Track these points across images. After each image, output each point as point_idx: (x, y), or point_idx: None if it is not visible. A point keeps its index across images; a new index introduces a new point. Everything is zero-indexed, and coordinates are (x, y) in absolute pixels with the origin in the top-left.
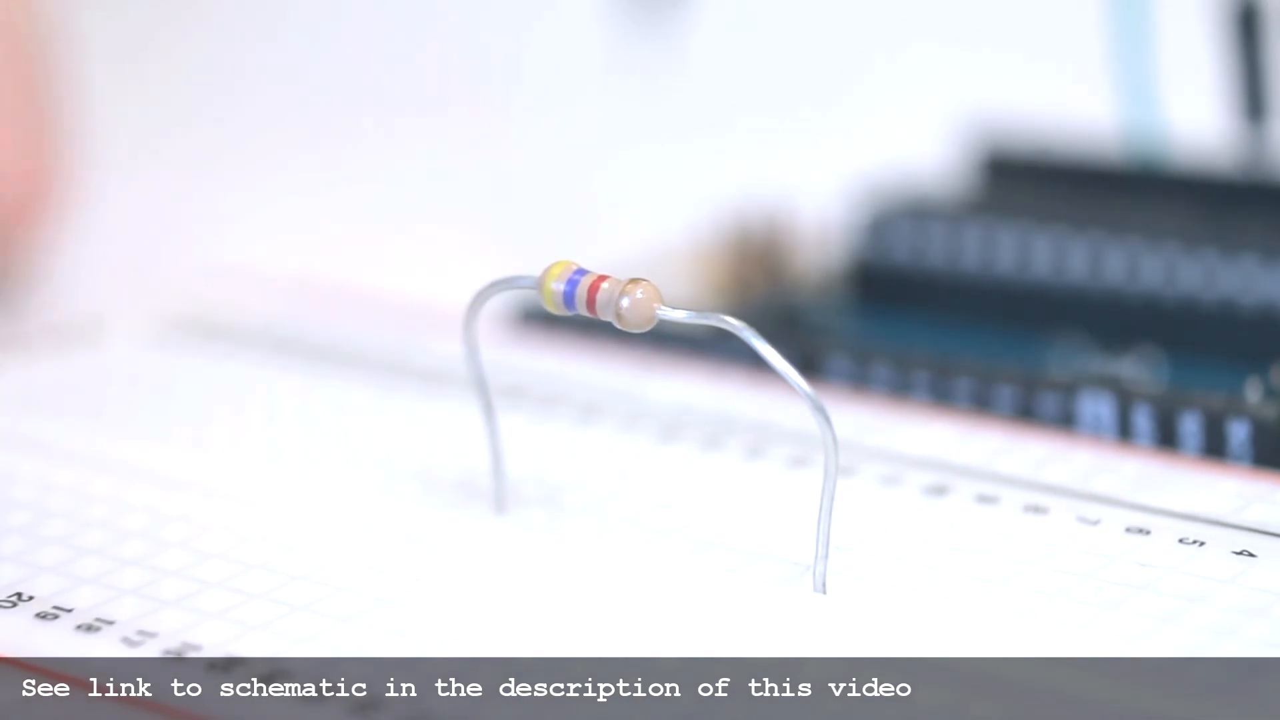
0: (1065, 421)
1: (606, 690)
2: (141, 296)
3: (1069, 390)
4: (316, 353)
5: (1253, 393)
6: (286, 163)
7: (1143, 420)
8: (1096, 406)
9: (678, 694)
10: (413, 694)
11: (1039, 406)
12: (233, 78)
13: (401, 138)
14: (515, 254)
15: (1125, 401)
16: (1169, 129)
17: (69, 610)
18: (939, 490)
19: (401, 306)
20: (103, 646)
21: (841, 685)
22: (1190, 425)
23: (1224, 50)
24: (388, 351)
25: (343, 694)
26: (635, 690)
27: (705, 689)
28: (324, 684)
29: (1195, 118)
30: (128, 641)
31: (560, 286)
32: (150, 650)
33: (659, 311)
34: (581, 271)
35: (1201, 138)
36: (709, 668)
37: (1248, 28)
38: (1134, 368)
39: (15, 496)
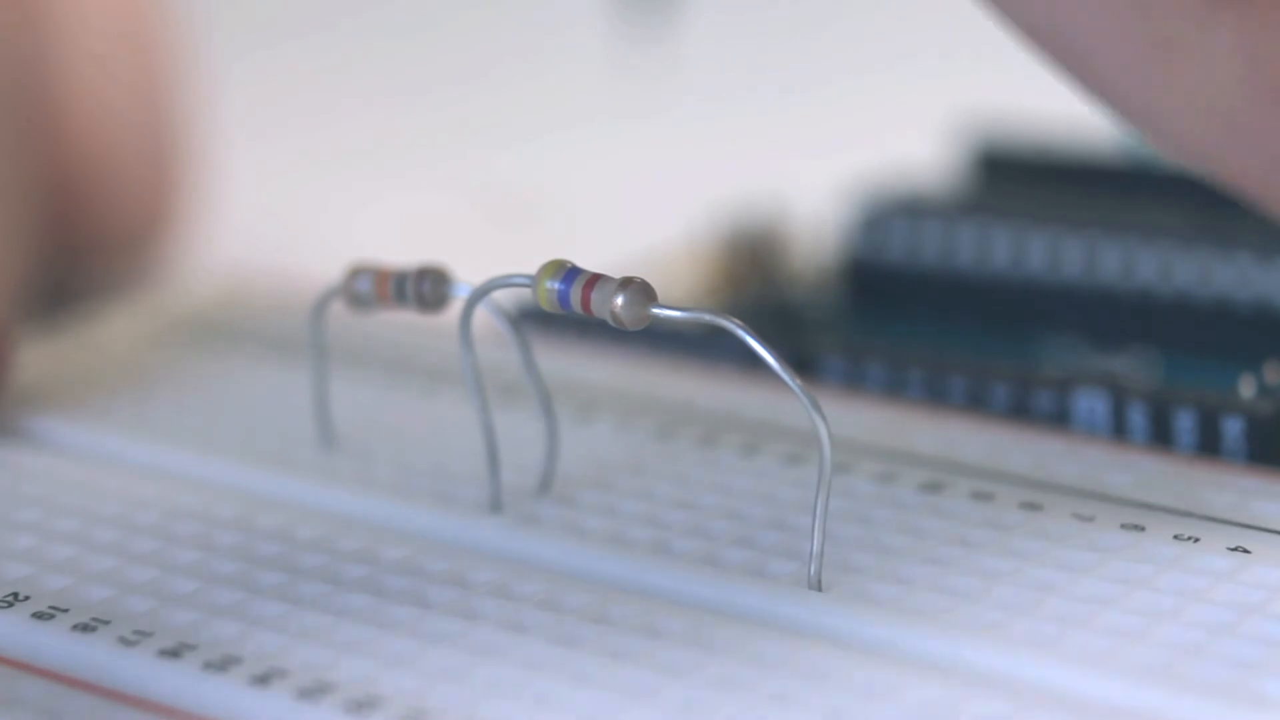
0: (1060, 418)
1: (605, 686)
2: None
3: (1064, 387)
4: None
5: (1247, 389)
6: (284, 162)
7: (1137, 417)
8: (1091, 403)
9: (676, 688)
10: (409, 693)
11: (1034, 404)
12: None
13: (401, 139)
14: (512, 253)
15: (1120, 398)
16: None
17: (65, 610)
18: (934, 487)
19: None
20: (99, 646)
21: (838, 679)
22: (1185, 422)
23: None
24: (386, 349)
25: (340, 692)
26: (634, 685)
27: (704, 683)
28: (321, 682)
29: None
30: (124, 641)
31: (555, 285)
32: (147, 650)
33: (654, 310)
34: (576, 270)
35: None
36: (707, 662)
37: None
38: (1129, 365)
39: (15, 493)
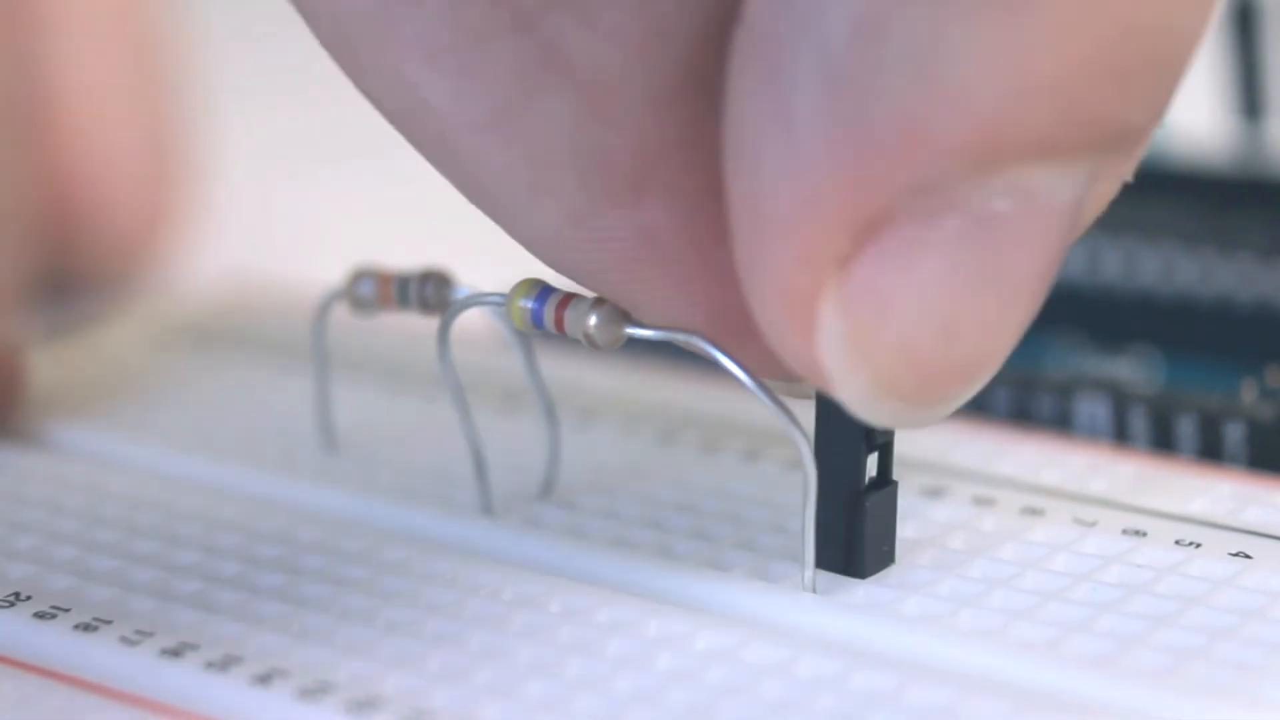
0: (1061, 423)
1: (605, 689)
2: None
3: (1065, 392)
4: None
5: (1248, 393)
6: (285, 165)
7: (1139, 422)
8: (1093, 408)
9: (676, 692)
10: (410, 693)
11: (1035, 408)
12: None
13: (403, 140)
14: (514, 253)
15: (1121, 403)
16: (1166, 127)
17: (67, 610)
18: (935, 492)
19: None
20: (101, 646)
21: (838, 683)
22: (1186, 427)
23: (1221, 48)
24: (388, 353)
25: (340, 692)
26: (634, 688)
27: (704, 687)
28: (322, 682)
29: (1192, 116)
30: (126, 641)
31: (528, 304)
32: (148, 650)
33: (628, 330)
34: (549, 289)
35: (1198, 135)
36: (707, 666)
37: (1245, 26)
38: (1130, 366)
39: (15, 495)
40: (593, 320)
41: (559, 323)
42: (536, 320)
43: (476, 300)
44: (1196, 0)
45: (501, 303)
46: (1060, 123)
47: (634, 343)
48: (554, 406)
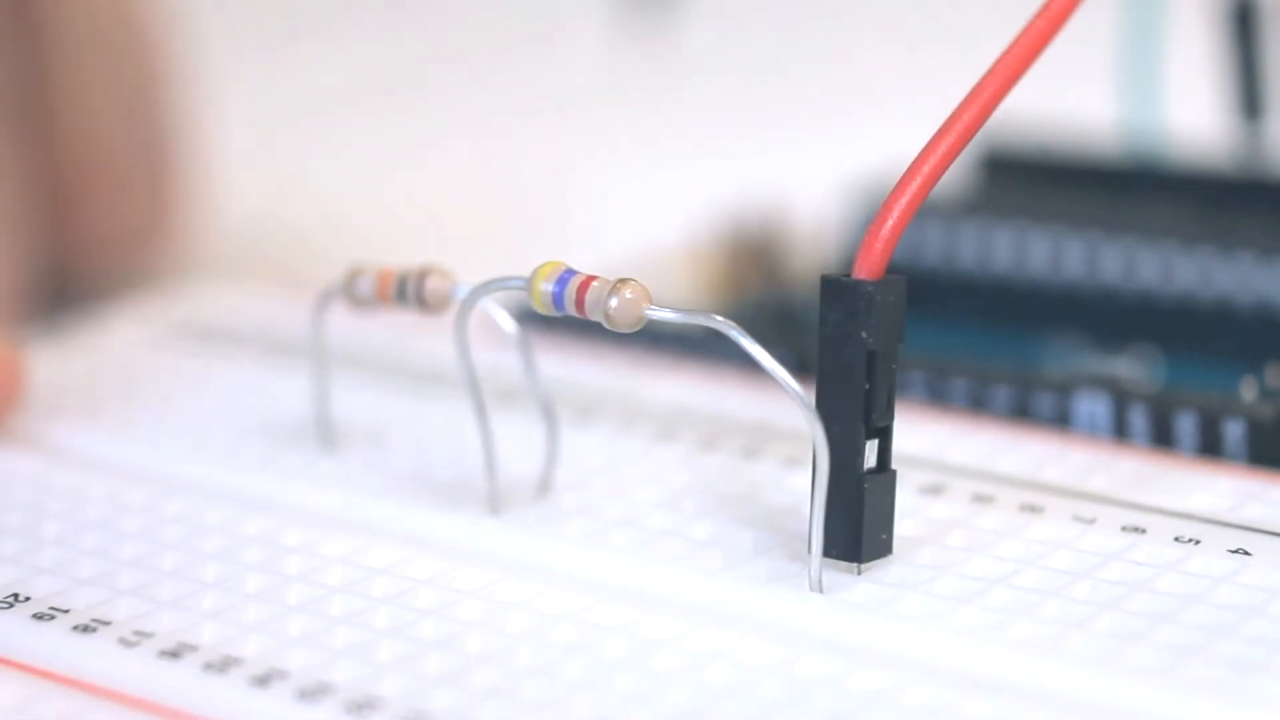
0: (1061, 421)
1: (604, 690)
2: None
3: (1065, 390)
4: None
5: (1248, 392)
6: (284, 164)
7: (1138, 419)
8: (1092, 406)
9: (675, 692)
10: (408, 694)
11: (1035, 406)
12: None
13: (401, 140)
14: (515, 253)
15: (1121, 401)
16: (1166, 127)
17: (65, 611)
18: (935, 490)
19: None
20: (99, 647)
21: (836, 683)
22: (1186, 425)
23: (1221, 48)
24: (384, 352)
25: (339, 693)
26: (633, 689)
27: (702, 687)
28: (320, 683)
29: (1192, 116)
30: (124, 643)
31: (550, 287)
32: (146, 651)
33: (647, 311)
34: (570, 272)
35: (1199, 136)
36: (706, 666)
37: (1244, 26)
38: (1130, 366)
39: (14, 497)
40: (613, 302)
41: (579, 305)
42: (557, 303)
43: (497, 285)
44: None
45: (523, 287)
46: None
47: (634, 340)
48: (552, 405)
